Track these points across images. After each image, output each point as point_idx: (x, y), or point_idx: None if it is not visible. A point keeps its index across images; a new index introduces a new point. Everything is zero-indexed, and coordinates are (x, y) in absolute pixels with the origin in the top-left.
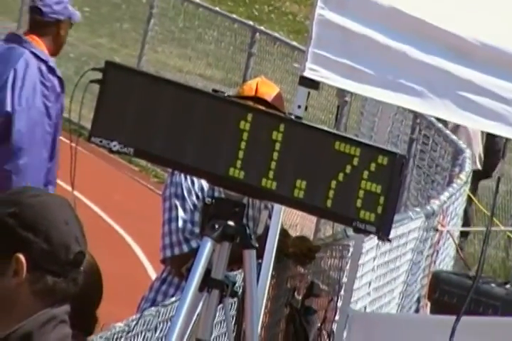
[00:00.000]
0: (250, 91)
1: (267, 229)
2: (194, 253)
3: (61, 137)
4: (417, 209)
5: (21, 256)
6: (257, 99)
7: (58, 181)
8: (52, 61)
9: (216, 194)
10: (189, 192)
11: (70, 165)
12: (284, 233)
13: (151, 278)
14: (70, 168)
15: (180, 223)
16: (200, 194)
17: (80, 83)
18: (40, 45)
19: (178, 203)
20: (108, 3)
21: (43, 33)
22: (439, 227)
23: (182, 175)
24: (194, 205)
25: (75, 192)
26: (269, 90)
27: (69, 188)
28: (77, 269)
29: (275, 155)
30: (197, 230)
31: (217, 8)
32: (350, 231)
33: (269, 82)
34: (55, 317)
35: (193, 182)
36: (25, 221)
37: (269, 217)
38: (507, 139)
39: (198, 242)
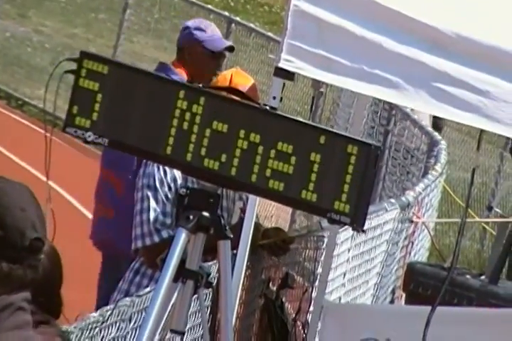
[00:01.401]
0: (225, 81)
1: (241, 219)
2: (165, 243)
3: (36, 127)
4: (392, 200)
5: None
6: (231, 90)
7: (33, 171)
8: None
9: (189, 184)
10: (161, 183)
11: (44, 155)
12: (256, 225)
13: None
14: (45, 158)
15: (152, 214)
16: (172, 185)
17: (55, 73)
18: (182, 74)
19: (150, 194)
20: None
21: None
22: (414, 219)
23: (155, 166)
24: (166, 196)
25: (50, 182)
26: (244, 81)
27: (44, 178)
28: (35, 256)
29: (250, 146)
30: (168, 221)
31: None
32: (324, 223)
33: (243, 73)
34: (12, 304)
35: (165, 173)
36: None
37: (244, 208)
38: (482, 130)
39: (168, 232)
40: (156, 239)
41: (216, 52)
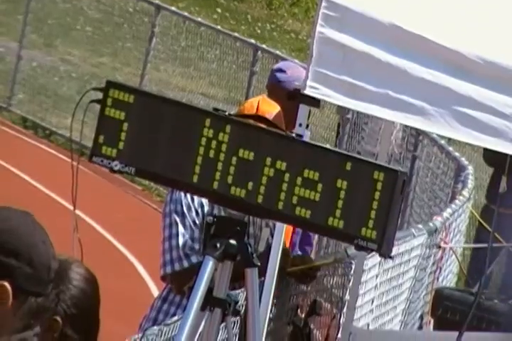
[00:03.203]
0: (251, 109)
1: (268, 247)
2: (194, 268)
3: (63, 156)
4: (420, 226)
5: (6, 284)
6: (258, 117)
7: (60, 200)
8: None
9: (216, 211)
10: (189, 208)
11: (71, 184)
12: (285, 252)
13: (153, 296)
14: (72, 187)
15: (181, 239)
16: (199, 210)
17: (82, 102)
18: None
19: (178, 219)
20: (110, 22)
21: None
22: (442, 244)
23: (181, 192)
24: (194, 221)
25: (77, 211)
26: (270, 108)
27: (71, 207)
28: (59, 285)
29: (277, 174)
30: (197, 246)
31: (219, 27)
32: (351, 250)
33: (270, 100)
34: (25, 340)
35: (192, 199)
36: (5, 247)
37: (271, 234)
38: (509, 155)
39: (197, 258)
40: (186, 264)
41: (292, 94)
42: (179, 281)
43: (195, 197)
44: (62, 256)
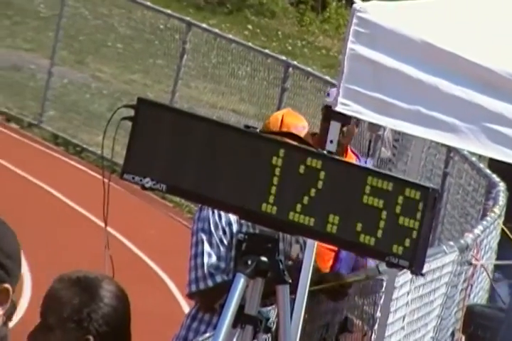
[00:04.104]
0: (276, 122)
1: (299, 263)
2: (219, 287)
3: (94, 173)
4: (451, 243)
5: (9, 287)
6: (287, 134)
7: (91, 217)
8: None
9: (244, 228)
10: (216, 226)
11: (102, 201)
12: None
13: (184, 313)
14: (103, 205)
15: (206, 258)
16: (227, 229)
17: (113, 119)
18: None
19: (204, 238)
20: (141, 39)
21: None
22: (473, 261)
23: (210, 210)
24: (220, 240)
25: (108, 228)
26: (294, 121)
27: (102, 224)
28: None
29: (308, 190)
30: (222, 265)
31: (250, 44)
32: (382, 267)
33: (295, 113)
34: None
35: (220, 217)
36: (4, 250)
37: (301, 251)
38: None
39: (222, 277)
40: (210, 283)
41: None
42: (204, 300)
43: (223, 216)
44: (92, 274)
